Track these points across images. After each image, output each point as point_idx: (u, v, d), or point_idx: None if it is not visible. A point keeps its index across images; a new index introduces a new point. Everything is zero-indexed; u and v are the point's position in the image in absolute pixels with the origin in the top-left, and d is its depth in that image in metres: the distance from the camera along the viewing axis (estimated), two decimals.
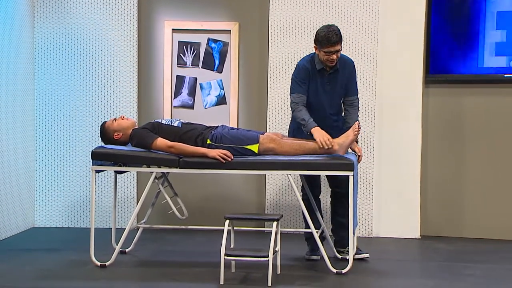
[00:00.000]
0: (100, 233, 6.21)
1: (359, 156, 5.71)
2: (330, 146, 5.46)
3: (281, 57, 6.86)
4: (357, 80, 5.88)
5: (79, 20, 6.97)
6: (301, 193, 5.93)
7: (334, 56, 5.58)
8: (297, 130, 5.83)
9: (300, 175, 5.73)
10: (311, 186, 5.86)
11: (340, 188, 5.82)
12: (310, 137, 5.64)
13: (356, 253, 5.79)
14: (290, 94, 5.72)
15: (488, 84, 6.72)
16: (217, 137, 5.57)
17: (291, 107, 5.69)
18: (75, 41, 6.98)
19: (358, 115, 5.80)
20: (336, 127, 5.76)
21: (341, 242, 5.88)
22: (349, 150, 5.69)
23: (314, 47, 5.63)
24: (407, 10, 6.71)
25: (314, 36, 6.77)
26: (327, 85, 5.71)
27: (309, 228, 5.58)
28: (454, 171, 6.83)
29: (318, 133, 5.50)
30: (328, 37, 5.52)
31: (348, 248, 5.62)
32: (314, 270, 5.61)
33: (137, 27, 6.96)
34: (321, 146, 5.45)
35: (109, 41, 6.97)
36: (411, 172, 6.76)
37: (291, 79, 5.75)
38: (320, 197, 5.98)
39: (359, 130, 5.54)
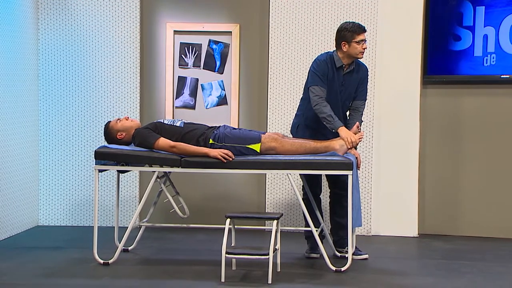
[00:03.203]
0: (103, 232, 6.24)
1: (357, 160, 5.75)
2: (355, 145, 5.56)
3: (281, 58, 6.91)
4: (367, 86, 5.93)
5: (82, 22, 7.02)
6: (302, 192, 5.99)
7: (365, 45, 5.68)
8: (302, 126, 5.85)
9: (300, 174, 5.79)
10: (311, 185, 5.89)
11: (339, 189, 5.85)
12: (317, 136, 5.73)
13: (355, 254, 5.82)
14: (310, 86, 5.68)
15: (485, 85, 6.75)
16: (220, 137, 5.59)
17: (313, 100, 5.64)
18: (78, 43, 7.03)
19: (361, 121, 5.85)
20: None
21: (340, 242, 5.91)
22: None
23: (343, 42, 5.66)
24: (405, 11, 6.74)
25: (313, 37, 6.82)
26: (341, 86, 5.76)
27: (309, 226, 5.60)
28: (452, 171, 6.87)
29: (345, 132, 5.56)
30: (358, 25, 5.67)
31: (347, 248, 5.65)
32: (313, 268, 5.64)
33: (139, 29, 7.00)
34: (348, 146, 5.53)
35: (112, 43, 7.02)
36: (409, 172, 6.80)
37: (310, 72, 5.73)
38: (320, 196, 6.02)
39: (362, 136, 5.62)
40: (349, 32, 5.65)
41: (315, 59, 5.78)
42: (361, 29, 5.67)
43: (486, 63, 6.62)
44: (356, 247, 5.87)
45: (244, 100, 7.04)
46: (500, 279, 5.40)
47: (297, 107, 6.01)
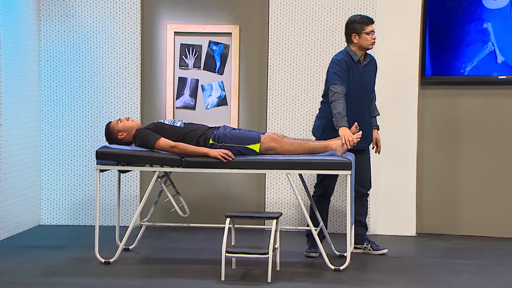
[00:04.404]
0: (104, 231, 6.28)
1: (377, 146, 6.03)
2: (353, 146, 5.62)
3: (281, 59, 6.94)
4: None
5: (83, 23, 7.05)
6: (312, 191, 6.07)
7: (375, 36, 5.83)
8: (328, 127, 5.85)
9: (316, 175, 5.90)
10: (325, 185, 5.96)
11: (359, 186, 5.97)
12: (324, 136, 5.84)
13: (375, 249, 6.03)
14: (330, 85, 5.73)
15: (483, 86, 6.78)
16: (220, 137, 5.61)
17: (332, 96, 5.69)
18: (80, 44, 7.07)
19: (378, 113, 6.09)
20: (369, 122, 5.95)
21: (358, 238, 6.07)
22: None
23: (353, 35, 5.78)
24: (403, 12, 6.77)
25: (312, 38, 6.84)
26: (362, 78, 5.87)
27: (311, 225, 5.62)
28: (450, 170, 6.89)
29: (345, 131, 5.60)
30: (366, 16, 5.84)
31: (365, 244, 5.99)
32: (312, 267, 5.67)
33: (140, 30, 7.04)
34: (347, 145, 5.58)
35: (113, 44, 7.06)
36: (407, 171, 6.83)
37: (330, 73, 5.78)
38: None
39: (359, 136, 5.64)
40: (358, 24, 5.79)
41: (332, 60, 5.83)
42: (370, 20, 5.83)
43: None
44: (374, 242, 6.09)
45: (244, 100, 7.08)
46: (498, 278, 5.43)
47: (318, 109, 6.06)
